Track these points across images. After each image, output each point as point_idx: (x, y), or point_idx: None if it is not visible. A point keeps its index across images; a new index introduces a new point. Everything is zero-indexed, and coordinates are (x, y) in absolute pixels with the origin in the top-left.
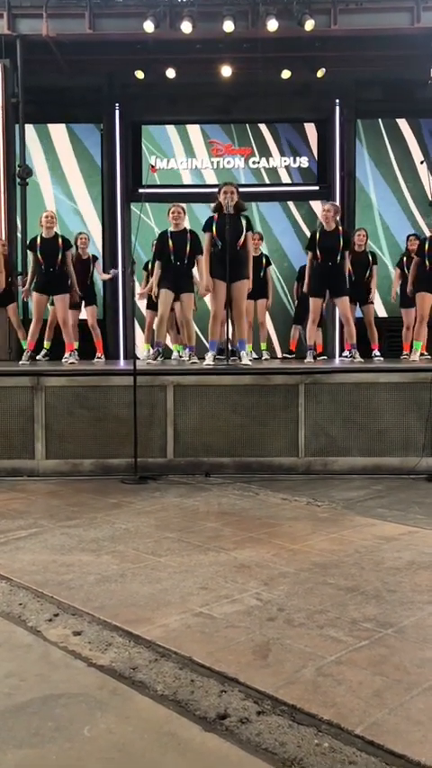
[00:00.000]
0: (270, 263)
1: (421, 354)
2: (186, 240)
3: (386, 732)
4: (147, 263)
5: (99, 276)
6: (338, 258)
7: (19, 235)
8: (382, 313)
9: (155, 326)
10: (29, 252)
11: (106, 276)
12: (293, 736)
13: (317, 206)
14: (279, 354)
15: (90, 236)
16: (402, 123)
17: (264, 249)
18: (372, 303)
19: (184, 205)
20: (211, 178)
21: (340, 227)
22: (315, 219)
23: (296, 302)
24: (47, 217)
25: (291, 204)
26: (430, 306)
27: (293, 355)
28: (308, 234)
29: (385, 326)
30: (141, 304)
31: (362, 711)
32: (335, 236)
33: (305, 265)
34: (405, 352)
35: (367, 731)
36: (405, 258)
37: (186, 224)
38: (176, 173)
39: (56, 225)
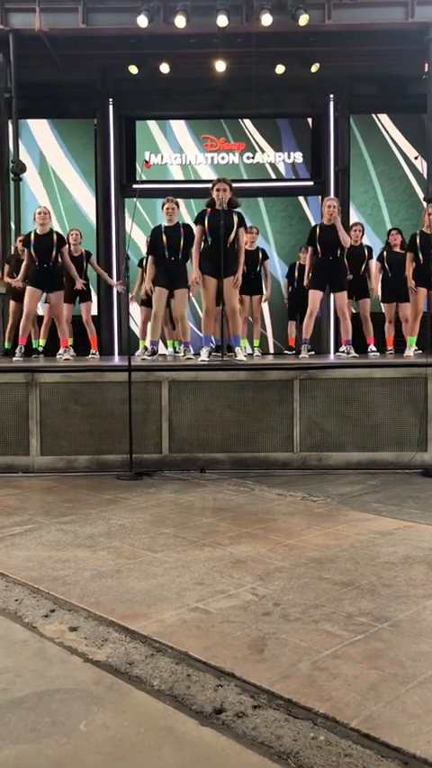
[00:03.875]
0: (267, 258)
1: (415, 350)
2: (180, 235)
3: (382, 725)
4: (141, 260)
5: (95, 271)
6: (338, 252)
7: (13, 229)
8: (375, 307)
9: (149, 325)
10: (24, 248)
11: (111, 281)
12: (289, 729)
13: (313, 201)
14: (272, 350)
15: (82, 233)
16: (396, 118)
17: (259, 243)
18: (369, 297)
19: (177, 200)
20: (204, 173)
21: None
22: (308, 214)
23: (287, 300)
24: (40, 213)
25: (286, 199)
26: (424, 300)
27: (293, 351)
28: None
29: (380, 321)
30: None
31: (357, 705)
32: (335, 231)
33: (295, 263)
34: (389, 348)
35: (363, 724)
36: (386, 252)
37: (182, 219)
38: (170, 168)
39: (49, 220)
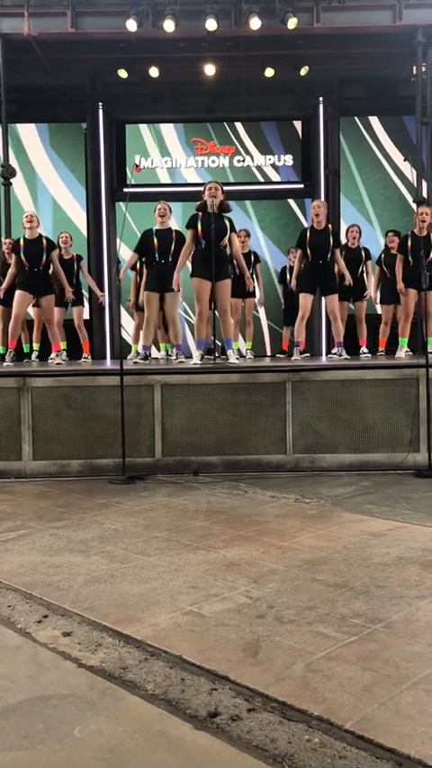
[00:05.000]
0: (259, 260)
1: (407, 351)
2: (171, 239)
3: (376, 726)
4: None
5: (84, 277)
6: (328, 256)
7: (3, 236)
8: (370, 309)
9: (142, 331)
10: (13, 253)
11: (97, 291)
12: (284, 732)
13: (302, 204)
14: (269, 349)
15: (72, 236)
16: (385, 120)
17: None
18: (365, 299)
19: (169, 203)
20: (194, 177)
21: (329, 225)
22: (298, 217)
23: (283, 303)
24: (27, 217)
25: (276, 202)
26: (415, 302)
27: (285, 355)
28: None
29: (376, 322)
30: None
31: (352, 706)
32: (324, 234)
33: (286, 266)
34: (381, 349)
35: (357, 726)
36: (384, 255)
37: (172, 223)
38: (160, 172)
39: (38, 225)
